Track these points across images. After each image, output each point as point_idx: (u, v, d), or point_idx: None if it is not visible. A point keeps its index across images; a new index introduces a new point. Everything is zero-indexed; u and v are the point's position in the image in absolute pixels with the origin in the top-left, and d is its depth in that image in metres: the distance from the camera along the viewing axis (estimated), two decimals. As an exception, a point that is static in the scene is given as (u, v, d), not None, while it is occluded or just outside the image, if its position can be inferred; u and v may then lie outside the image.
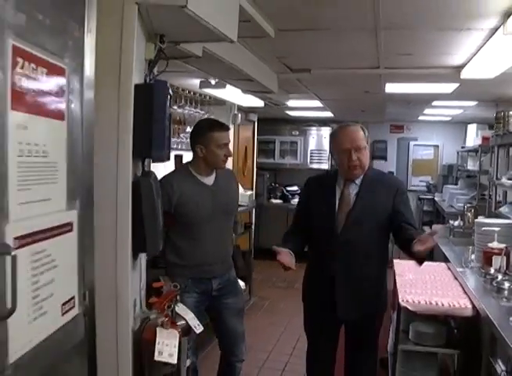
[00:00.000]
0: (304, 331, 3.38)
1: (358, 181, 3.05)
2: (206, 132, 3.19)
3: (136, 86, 1.95)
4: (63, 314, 1.35)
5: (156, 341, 2.02)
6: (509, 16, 2.76)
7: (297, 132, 9.67)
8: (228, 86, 4.66)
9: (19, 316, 1.12)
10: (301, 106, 7.35)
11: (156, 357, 2.00)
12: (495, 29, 3.07)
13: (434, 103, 7.01)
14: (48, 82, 1.24)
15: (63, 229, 1.33)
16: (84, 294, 1.48)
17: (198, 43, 2.69)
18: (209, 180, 3.31)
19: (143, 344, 2.06)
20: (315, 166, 9.30)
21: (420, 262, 2.91)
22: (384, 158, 10.74)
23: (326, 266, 3.06)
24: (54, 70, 1.26)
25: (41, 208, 1.22)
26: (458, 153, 9.88)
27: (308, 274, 3.30)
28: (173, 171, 3.37)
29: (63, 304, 1.35)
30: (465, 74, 4.26)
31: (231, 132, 6.09)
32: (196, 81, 4.57)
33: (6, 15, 1.04)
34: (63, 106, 1.31)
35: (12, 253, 1.06)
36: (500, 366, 2.68)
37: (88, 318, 1.53)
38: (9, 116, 1.06)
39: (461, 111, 8.07)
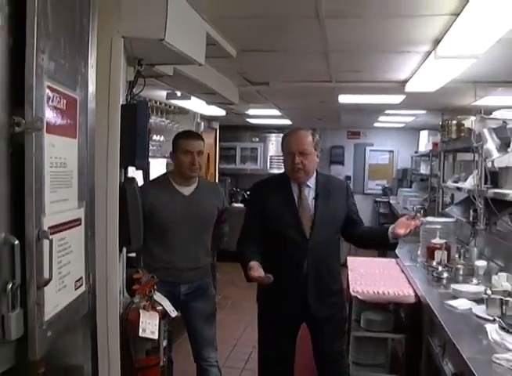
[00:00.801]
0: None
1: (312, 184, 3.17)
2: (175, 140, 3.41)
3: (122, 106, 2.36)
4: (75, 289, 1.74)
5: (140, 321, 2.43)
6: (438, 43, 3.27)
7: (257, 139, 10.14)
8: (192, 97, 5.08)
9: (50, 286, 1.51)
10: (260, 114, 7.79)
11: (141, 334, 2.41)
12: (429, 52, 3.58)
13: (387, 111, 7.55)
14: (67, 110, 1.63)
15: (75, 223, 1.73)
16: (88, 275, 1.88)
17: (171, 65, 3.12)
18: (187, 190, 3.45)
19: (129, 324, 2.47)
20: (275, 171, 9.73)
21: (392, 247, 3.21)
22: (342, 163, 11.28)
23: (296, 269, 3.10)
24: (70, 100, 1.66)
25: (62, 206, 1.62)
26: (412, 157, 10.43)
27: (274, 282, 3.16)
28: (153, 179, 3.54)
29: (76, 281, 1.75)
30: (409, 87, 4.78)
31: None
32: (163, 93, 4.96)
33: (44, 63, 1.44)
34: (75, 127, 1.71)
35: (50, 237, 1.46)
36: (436, 344, 3.15)
37: (91, 296, 1.92)
38: (45, 137, 1.46)
39: (413, 118, 8.61)
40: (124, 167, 2.47)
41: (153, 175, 3.66)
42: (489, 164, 4.43)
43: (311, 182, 3.17)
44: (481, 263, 3.99)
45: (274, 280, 3.05)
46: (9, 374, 1.49)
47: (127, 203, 2.42)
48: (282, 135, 9.64)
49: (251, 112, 7.32)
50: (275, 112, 7.52)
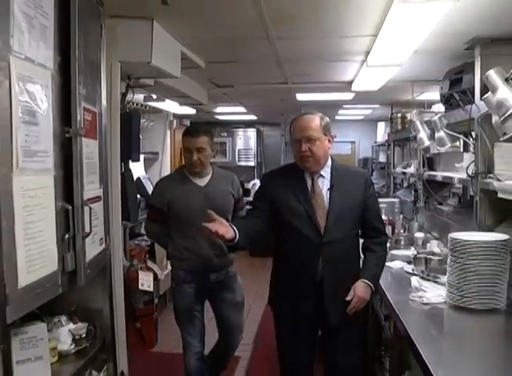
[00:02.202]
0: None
1: (326, 174, 3.00)
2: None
3: (121, 114, 3.17)
4: (99, 245, 2.55)
5: (139, 277, 3.26)
6: (368, 54, 4.14)
7: (226, 134, 10.85)
8: (166, 100, 5.89)
9: (88, 239, 2.31)
10: (227, 111, 8.61)
11: (140, 287, 3.25)
12: (364, 60, 4.45)
13: (345, 105, 8.43)
14: (92, 121, 2.42)
15: (98, 198, 2.52)
16: (106, 237, 2.68)
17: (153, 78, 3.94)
18: (202, 181, 3.61)
19: (130, 280, 3.30)
20: (242, 163, 10.57)
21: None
22: (306, 155, 12.15)
23: (310, 270, 2.93)
24: (93, 114, 2.44)
25: (91, 186, 2.41)
26: (372, 147, 11.31)
27: (279, 280, 3.15)
28: (169, 174, 3.83)
29: (100, 239, 2.55)
30: (354, 87, 5.65)
31: (167, 136, 7.30)
32: (141, 96, 5.76)
33: (81, 91, 2.24)
34: (96, 132, 2.51)
35: (90, 205, 2.28)
36: (377, 297, 3.84)
37: (108, 253, 2.72)
38: (83, 141, 2.26)
39: (371, 111, 9.50)
40: (123, 160, 3.28)
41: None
42: (422, 152, 5.35)
43: (326, 171, 3.01)
44: (420, 234, 4.85)
45: (286, 277, 3.05)
46: (53, 306, 2.29)
47: (126, 187, 3.24)
48: (248, 130, 10.59)
49: (219, 110, 8.15)
50: (241, 109, 8.39)
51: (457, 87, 3.94)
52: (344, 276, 2.95)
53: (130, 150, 3.18)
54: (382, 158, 9.93)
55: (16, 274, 1.79)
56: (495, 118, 2.86)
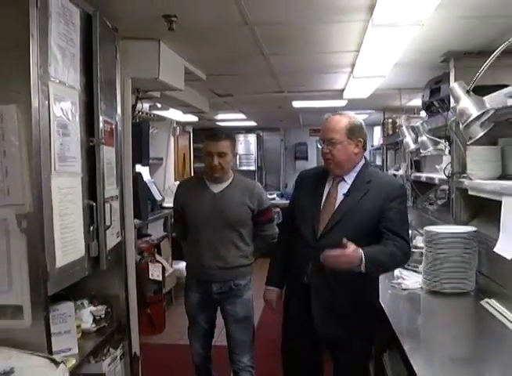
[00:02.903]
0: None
1: (349, 179, 2.90)
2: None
3: (133, 124, 3.62)
4: (116, 238, 2.99)
5: (149, 268, 3.71)
6: (354, 66, 4.58)
7: (227, 139, 11.35)
8: (170, 108, 6.34)
9: (108, 231, 2.76)
10: (228, 118, 9.04)
11: (150, 277, 3.69)
12: (351, 72, 4.91)
13: (340, 112, 8.85)
14: (110, 131, 2.86)
15: (115, 197, 2.96)
16: (122, 231, 3.12)
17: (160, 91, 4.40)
18: (217, 187, 3.52)
19: (141, 271, 3.74)
20: (244, 168, 10.98)
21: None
22: (306, 158, 12.60)
23: (300, 273, 2.92)
24: (111, 125, 2.89)
25: (110, 187, 2.84)
26: (370, 151, 11.77)
27: (287, 281, 3.16)
28: (190, 176, 4.01)
29: (117, 233, 2.99)
30: (346, 95, 6.10)
31: (170, 142, 7.74)
32: (146, 105, 6.20)
33: (102, 107, 2.69)
34: (113, 141, 2.95)
35: (110, 203, 2.73)
36: None
37: (123, 246, 3.17)
38: (103, 148, 2.71)
39: (367, 116, 9.89)
40: (134, 164, 3.73)
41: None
42: (408, 155, 5.80)
43: (350, 176, 2.91)
44: (407, 232, 5.29)
45: (289, 283, 3.11)
46: (77, 291, 2.72)
47: (138, 188, 3.68)
48: (249, 135, 11.04)
49: (220, 117, 8.60)
50: (241, 116, 8.85)
51: (436, 95, 4.39)
52: (336, 287, 2.84)
53: (141, 156, 3.64)
54: (378, 161, 10.27)
55: (54, 256, 2.25)
56: (461, 125, 3.30)
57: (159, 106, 6.19)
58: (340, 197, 2.88)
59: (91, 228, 2.63)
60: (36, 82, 2.12)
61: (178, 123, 8.27)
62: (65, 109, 2.37)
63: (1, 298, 2.16)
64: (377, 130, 10.09)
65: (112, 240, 2.88)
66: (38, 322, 2.18)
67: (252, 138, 11.35)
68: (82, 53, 2.60)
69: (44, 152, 2.18)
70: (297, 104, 7.03)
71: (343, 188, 2.89)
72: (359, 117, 3.00)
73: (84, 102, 2.61)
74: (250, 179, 3.82)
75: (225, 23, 3.28)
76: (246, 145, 11.38)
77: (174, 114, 6.90)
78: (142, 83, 3.81)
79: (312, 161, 12.62)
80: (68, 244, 2.38)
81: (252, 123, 10.35)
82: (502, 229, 2.88)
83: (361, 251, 2.65)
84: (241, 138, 11.42)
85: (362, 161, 2.98)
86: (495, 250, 2.93)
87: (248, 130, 11.41)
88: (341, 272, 2.73)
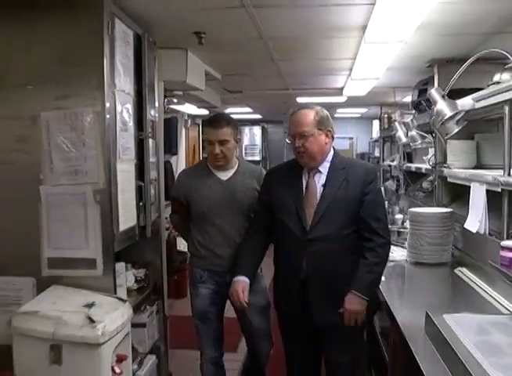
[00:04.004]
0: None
1: (324, 170, 2.97)
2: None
3: (164, 120, 4.35)
4: (156, 212, 3.73)
5: (177, 242, 4.45)
6: (351, 70, 5.32)
7: (234, 131, 12.05)
8: (186, 103, 7.06)
9: (152, 207, 3.50)
10: (236, 111, 9.72)
11: (178, 248, 4.43)
12: (349, 74, 5.64)
13: (304, 105, 9.60)
14: (153, 126, 3.59)
15: (155, 180, 3.66)
16: (159, 208, 3.86)
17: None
18: (224, 174, 3.48)
19: (170, 244, 4.49)
20: (249, 158, 11.61)
21: None
22: (307, 150, 13.33)
23: (295, 267, 2.93)
24: (153, 121, 3.65)
25: (152, 172, 3.60)
26: (369, 143, 12.38)
27: (276, 276, 3.17)
28: (192, 165, 3.70)
29: (156, 209, 3.74)
30: (345, 93, 6.82)
31: (182, 134, 8.42)
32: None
33: (148, 108, 3.43)
34: (154, 134, 3.69)
35: (153, 183, 3.49)
36: None
37: (159, 220, 3.90)
38: (150, 140, 3.45)
39: (366, 110, 10.58)
40: (165, 152, 4.48)
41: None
42: (401, 147, 6.55)
43: (324, 166, 2.99)
44: (399, 216, 5.92)
45: (280, 278, 3.12)
46: (123, 256, 3.44)
47: (167, 174, 4.42)
48: (254, 127, 11.81)
49: (228, 110, 9.30)
50: (248, 109, 9.60)
51: (423, 95, 5.07)
52: (331, 276, 2.90)
53: (170, 146, 4.38)
54: (377, 153, 10.87)
55: (118, 222, 3.02)
56: (437, 123, 4.03)
57: (175, 101, 6.90)
58: (319, 188, 2.94)
59: (141, 203, 3.38)
60: (107, 91, 2.88)
61: (189, 116, 8.94)
62: (125, 110, 3.12)
63: (80, 252, 2.92)
64: (376, 123, 10.67)
65: (154, 214, 3.62)
66: (108, 272, 2.95)
67: (257, 130, 12.02)
68: (134, 64, 3.35)
69: (112, 144, 2.93)
70: (300, 100, 7.73)
71: (320, 179, 2.96)
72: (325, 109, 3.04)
73: (135, 104, 3.36)
74: (253, 164, 3.83)
75: (243, 37, 4.01)
76: (252, 136, 12.07)
77: (188, 108, 7.59)
78: (172, 85, 4.54)
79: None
80: (127, 213, 3.13)
81: (257, 116, 11.06)
82: (470, 208, 3.58)
83: (354, 294, 2.83)
84: (247, 130, 12.08)
85: (332, 150, 3.04)
86: (464, 226, 3.64)
87: (253, 122, 12.07)
88: (336, 262, 2.89)
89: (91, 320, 2.55)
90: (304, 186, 2.98)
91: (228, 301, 3.43)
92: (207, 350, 3.61)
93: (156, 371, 3.74)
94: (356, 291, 2.84)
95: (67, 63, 2.87)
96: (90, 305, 2.69)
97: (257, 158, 11.78)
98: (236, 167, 3.54)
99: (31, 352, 2.55)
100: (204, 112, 8.37)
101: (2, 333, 2.84)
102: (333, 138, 3.02)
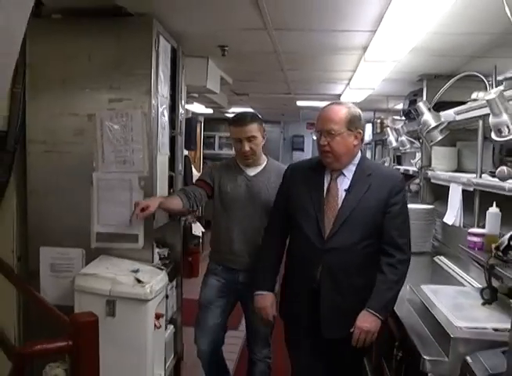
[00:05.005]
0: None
1: (348, 174, 2.77)
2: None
3: (186, 119, 4.99)
4: (180, 200, 4.40)
5: (192, 227, 5.10)
6: (350, 80, 5.98)
7: (233, 129, 12.65)
8: (195, 103, 7.70)
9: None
10: (237, 111, 10.36)
11: (193, 233, 5.08)
12: (347, 84, 6.31)
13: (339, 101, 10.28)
14: (181, 125, 4.26)
15: (179, 171, 4.36)
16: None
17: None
18: (251, 170, 3.52)
19: (186, 228, 5.13)
20: (246, 155, 12.27)
21: None
22: (302, 150, 14.04)
23: (308, 277, 2.78)
24: (180, 121, 4.30)
25: (179, 164, 4.27)
26: (361, 149, 13.09)
27: (286, 283, 3.02)
28: (221, 162, 3.73)
29: (180, 196, 4.40)
30: (342, 98, 7.47)
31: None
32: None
33: (180, 108, 4.08)
34: (181, 132, 4.34)
35: (181, 173, 4.14)
36: None
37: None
38: (179, 137, 4.10)
39: (360, 114, 11.29)
40: (185, 148, 5.13)
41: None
42: (391, 151, 7.23)
43: (349, 170, 2.77)
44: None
45: (287, 285, 2.98)
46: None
47: (186, 167, 5.06)
48: None
49: (232, 110, 9.95)
50: (250, 110, 10.18)
51: (413, 105, 5.73)
52: (346, 289, 2.74)
53: (190, 143, 5.03)
54: (368, 155, 11.57)
55: (156, 205, 3.65)
56: (424, 132, 4.69)
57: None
58: (341, 193, 2.74)
59: (171, 190, 4.03)
60: (153, 97, 3.52)
61: (193, 113, 9.55)
62: (163, 112, 3.77)
63: (126, 228, 3.55)
64: (368, 127, 11.23)
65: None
66: (147, 245, 3.60)
67: (255, 128, 12.63)
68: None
69: (154, 139, 3.57)
70: (300, 103, 8.39)
71: (343, 183, 2.76)
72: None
73: (169, 106, 4.00)
74: (280, 163, 3.76)
75: (259, 51, 4.67)
76: (250, 134, 12.67)
77: (197, 107, 8.20)
78: (193, 88, 5.18)
79: (308, 152, 14.05)
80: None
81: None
82: (448, 205, 4.26)
83: (368, 312, 2.67)
84: (246, 129, 12.62)
85: (360, 153, 2.85)
86: (443, 220, 4.31)
87: (252, 122, 12.68)
88: (352, 274, 2.72)
89: (140, 281, 3.20)
90: (325, 189, 2.78)
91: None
92: (199, 342, 3.65)
93: (173, 339, 4.31)
94: (372, 309, 2.67)
95: (121, 72, 3.50)
96: (136, 271, 3.33)
97: (255, 156, 12.36)
98: (264, 164, 3.56)
99: (90, 307, 3.05)
100: (209, 111, 9.02)
101: (58, 294, 3.50)
102: (362, 140, 2.85)
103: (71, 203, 3.63)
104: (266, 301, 2.97)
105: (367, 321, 2.66)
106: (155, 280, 3.32)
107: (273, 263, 3.05)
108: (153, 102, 3.53)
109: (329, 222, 2.71)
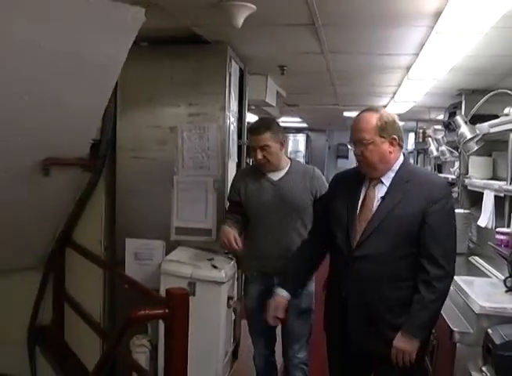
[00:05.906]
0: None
1: (386, 181, 2.67)
2: None
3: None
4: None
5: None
6: (394, 94, 6.53)
7: (279, 138, 13.22)
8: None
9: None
10: (286, 120, 10.95)
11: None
12: (392, 97, 6.87)
13: (372, 106, 10.80)
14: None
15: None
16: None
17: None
18: (275, 175, 3.53)
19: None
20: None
21: None
22: (346, 157, 14.52)
23: (338, 285, 2.73)
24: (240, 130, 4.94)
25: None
26: (403, 154, 13.34)
27: (326, 293, 2.94)
28: (243, 168, 4.22)
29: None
30: (388, 109, 7.98)
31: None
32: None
33: (239, 122, 4.71)
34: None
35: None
36: None
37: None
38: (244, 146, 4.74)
39: (403, 123, 11.71)
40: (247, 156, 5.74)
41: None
42: (432, 159, 7.74)
43: (388, 177, 2.67)
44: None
45: (327, 293, 2.90)
46: None
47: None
48: (298, 135, 13.56)
49: (281, 119, 10.51)
50: (298, 119, 10.84)
51: (453, 117, 6.17)
52: (375, 301, 2.63)
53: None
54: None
55: (225, 203, 4.28)
56: (461, 143, 5.20)
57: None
58: (377, 201, 2.66)
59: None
60: (226, 112, 4.16)
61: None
62: (232, 123, 4.39)
63: (201, 223, 4.19)
64: (411, 136, 11.78)
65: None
66: (219, 239, 4.18)
67: (301, 137, 13.32)
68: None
69: (226, 148, 4.21)
70: (347, 113, 8.95)
71: (380, 190, 2.67)
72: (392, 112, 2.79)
73: (237, 118, 4.62)
74: (305, 164, 3.93)
75: (314, 70, 5.28)
76: (295, 143, 13.35)
77: (249, 117, 8.78)
78: (254, 102, 5.80)
79: (352, 160, 14.27)
80: (230, 199, 4.40)
81: (303, 125, 12.32)
82: (482, 209, 4.76)
83: (401, 335, 2.58)
84: (291, 137, 13.29)
85: (401, 159, 2.72)
86: (478, 223, 4.81)
87: (298, 130, 13.34)
88: (383, 286, 2.61)
89: (215, 267, 3.83)
90: (361, 197, 2.72)
91: None
92: (257, 347, 3.82)
93: (233, 325, 4.82)
94: (405, 329, 2.58)
95: (198, 91, 4.17)
96: (211, 259, 3.96)
97: (301, 163, 12.95)
98: (287, 167, 3.57)
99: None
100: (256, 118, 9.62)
101: (141, 278, 4.14)
102: (400, 146, 2.71)
103: (154, 201, 4.28)
104: (278, 303, 2.96)
105: (402, 341, 2.58)
106: (228, 266, 3.95)
107: (302, 264, 3.04)
108: (226, 116, 4.17)
109: (360, 230, 2.64)
